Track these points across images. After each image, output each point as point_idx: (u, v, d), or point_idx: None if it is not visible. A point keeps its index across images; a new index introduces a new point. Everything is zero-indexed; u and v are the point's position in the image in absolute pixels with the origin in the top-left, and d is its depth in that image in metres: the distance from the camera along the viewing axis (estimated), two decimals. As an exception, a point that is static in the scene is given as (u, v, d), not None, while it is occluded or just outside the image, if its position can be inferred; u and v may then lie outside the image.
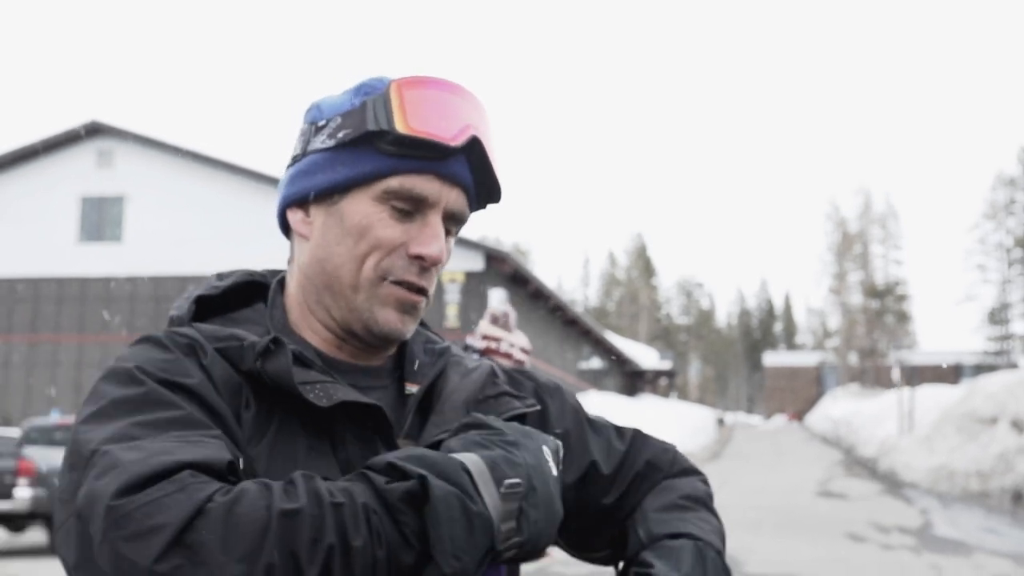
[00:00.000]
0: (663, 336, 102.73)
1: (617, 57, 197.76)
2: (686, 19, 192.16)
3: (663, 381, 68.93)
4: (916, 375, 38.63)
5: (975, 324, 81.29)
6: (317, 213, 1.30)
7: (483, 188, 1.33)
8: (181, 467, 1.02)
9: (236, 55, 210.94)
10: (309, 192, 1.30)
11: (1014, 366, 60.60)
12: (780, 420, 74.06)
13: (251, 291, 1.38)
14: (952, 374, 67.94)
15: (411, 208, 1.27)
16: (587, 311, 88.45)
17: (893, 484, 26.44)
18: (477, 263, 29.17)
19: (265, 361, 1.20)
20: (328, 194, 1.28)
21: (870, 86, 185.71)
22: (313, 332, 1.32)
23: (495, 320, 3.68)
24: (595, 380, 51.54)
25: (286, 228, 1.37)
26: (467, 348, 3.64)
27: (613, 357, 54.37)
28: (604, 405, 38.64)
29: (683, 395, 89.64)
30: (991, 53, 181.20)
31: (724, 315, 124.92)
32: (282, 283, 1.38)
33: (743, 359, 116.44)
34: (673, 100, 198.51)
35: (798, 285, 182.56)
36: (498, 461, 1.11)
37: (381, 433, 1.25)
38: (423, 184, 1.26)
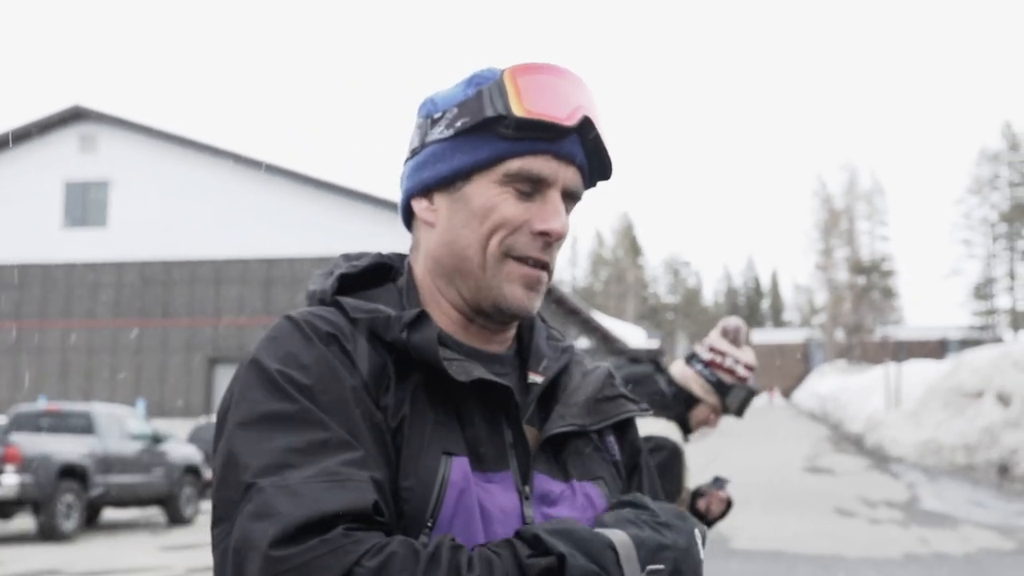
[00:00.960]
0: (650, 315, 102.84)
1: (603, 35, 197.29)
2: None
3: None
4: (902, 350, 38.80)
5: (961, 299, 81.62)
6: (441, 200, 1.35)
7: (596, 166, 1.37)
8: (334, 518, 1.09)
9: (219, 39, 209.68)
10: (432, 181, 1.35)
11: (999, 340, 60.90)
12: (766, 397, 74.30)
13: (382, 272, 1.42)
14: (938, 349, 68.24)
15: (531, 188, 1.31)
16: (575, 291, 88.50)
17: (880, 459, 26.61)
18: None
19: (411, 332, 1.26)
20: (451, 181, 1.33)
21: (855, 62, 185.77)
22: (442, 314, 1.36)
23: (725, 333, 3.62)
24: (583, 359, 51.54)
25: (408, 218, 1.42)
26: (692, 357, 3.60)
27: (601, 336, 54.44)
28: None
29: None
30: (975, 29, 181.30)
31: (711, 293, 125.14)
32: (409, 269, 1.42)
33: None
34: (659, 79, 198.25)
35: (785, 262, 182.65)
36: (647, 542, 1.18)
37: (508, 415, 1.30)
38: (541, 164, 1.30)
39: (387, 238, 28.85)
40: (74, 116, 31.81)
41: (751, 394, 3.60)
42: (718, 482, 3.65)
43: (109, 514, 16.84)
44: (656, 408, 3.39)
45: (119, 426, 15.72)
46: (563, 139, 1.31)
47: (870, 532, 13.59)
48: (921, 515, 15.50)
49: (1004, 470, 20.68)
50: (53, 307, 31.12)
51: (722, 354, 3.54)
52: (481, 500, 1.23)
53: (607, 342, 58.73)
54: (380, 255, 1.42)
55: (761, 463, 23.84)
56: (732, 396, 3.53)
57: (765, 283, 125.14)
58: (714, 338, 3.61)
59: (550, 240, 1.31)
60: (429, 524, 1.18)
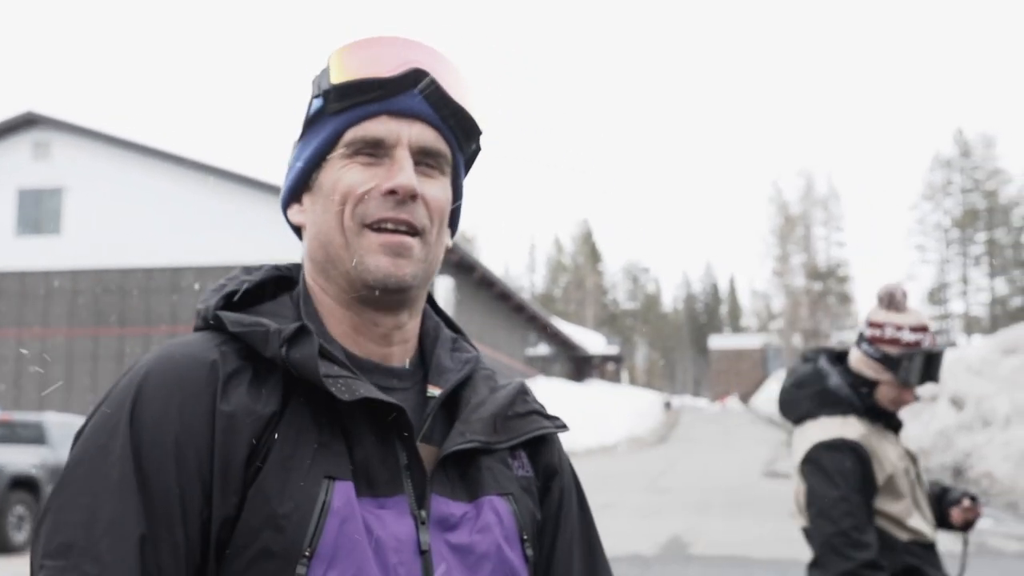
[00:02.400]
0: (610, 321, 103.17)
1: (560, 43, 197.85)
2: (628, 5, 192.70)
3: (610, 366, 69.29)
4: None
5: (915, 304, 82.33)
6: (307, 199, 1.32)
7: (452, 120, 1.30)
8: None
9: (172, 43, 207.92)
10: (293, 184, 1.33)
11: (953, 345, 61.69)
12: (719, 405, 74.75)
13: (280, 285, 1.37)
14: (893, 353, 68.95)
15: (375, 152, 1.26)
16: (534, 297, 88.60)
17: (837, 463, 26.77)
18: (423, 251, 29.09)
19: (291, 349, 1.19)
20: (306, 177, 1.31)
21: (811, 70, 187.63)
22: (334, 319, 1.30)
23: (880, 301, 3.34)
24: (543, 366, 51.67)
25: (298, 234, 1.37)
26: (860, 338, 3.33)
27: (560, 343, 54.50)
28: (552, 391, 38.73)
29: (630, 379, 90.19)
30: (928, 37, 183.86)
31: (670, 299, 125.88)
32: (303, 278, 1.37)
33: (689, 343, 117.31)
34: (616, 87, 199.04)
35: (742, 268, 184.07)
36: None
37: (401, 434, 1.23)
38: (375, 126, 1.26)
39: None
40: (27, 122, 31.40)
41: (932, 355, 3.28)
42: (974, 500, 3.49)
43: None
44: (826, 407, 3.25)
45: (72, 436, 15.51)
46: (395, 96, 1.26)
47: (827, 536, 13.66)
48: (877, 518, 15.62)
49: (958, 472, 20.91)
50: (6, 316, 30.66)
51: (880, 326, 3.29)
52: (372, 528, 1.16)
53: (566, 348, 58.84)
54: (276, 267, 1.38)
55: (720, 468, 23.96)
56: (904, 367, 3.25)
57: (723, 289, 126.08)
58: (872, 311, 3.35)
59: (399, 197, 1.24)
60: (307, 554, 1.11)
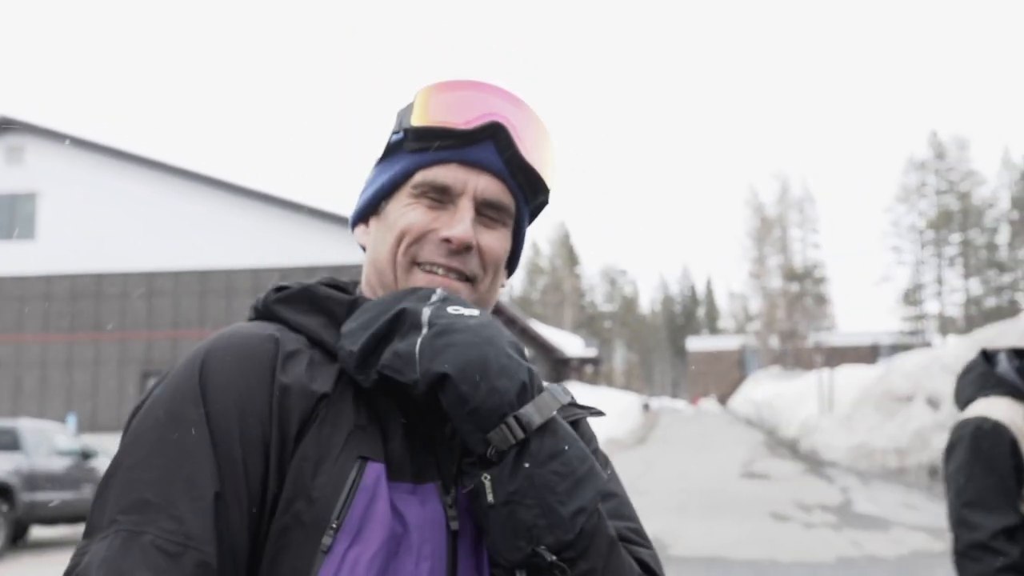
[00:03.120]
0: (588, 324, 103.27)
1: (535, 45, 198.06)
2: (604, 10, 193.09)
3: (589, 368, 69.34)
4: (835, 356, 39.38)
5: (891, 305, 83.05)
6: (373, 222, 1.40)
7: (521, 175, 1.36)
8: None
9: (147, 47, 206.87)
10: (362, 207, 1.42)
11: (928, 345, 62.05)
12: (704, 404, 75.00)
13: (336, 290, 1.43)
14: (869, 354, 69.39)
15: (441, 198, 1.33)
16: (512, 300, 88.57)
17: (814, 463, 26.95)
18: (400, 254, 29.07)
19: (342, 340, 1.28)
20: (376, 203, 1.39)
21: (787, 73, 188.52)
22: None
23: None
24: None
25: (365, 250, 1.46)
26: None
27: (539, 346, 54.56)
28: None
29: (609, 381, 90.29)
30: (903, 41, 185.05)
31: (648, 301, 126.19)
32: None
33: (667, 344, 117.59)
34: (592, 90, 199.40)
35: (719, 270, 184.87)
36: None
37: (434, 426, 1.28)
38: (444, 173, 1.32)
39: (320, 248, 28.65)
40: (0, 127, 31.16)
41: None
42: None
43: (37, 532, 16.47)
44: (986, 389, 3.15)
45: (47, 442, 15.38)
46: (470, 146, 1.32)
47: (805, 536, 13.73)
48: (854, 518, 15.71)
49: (934, 472, 21.04)
50: (-21, 321, 30.40)
51: None
52: (400, 508, 1.21)
53: (545, 351, 58.84)
54: (332, 278, 1.43)
55: (697, 469, 24.01)
56: None
57: (700, 291, 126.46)
58: None
59: (453, 247, 1.31)
60: (334, 525, 1.17)
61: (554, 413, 1.21)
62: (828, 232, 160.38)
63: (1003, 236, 76.82)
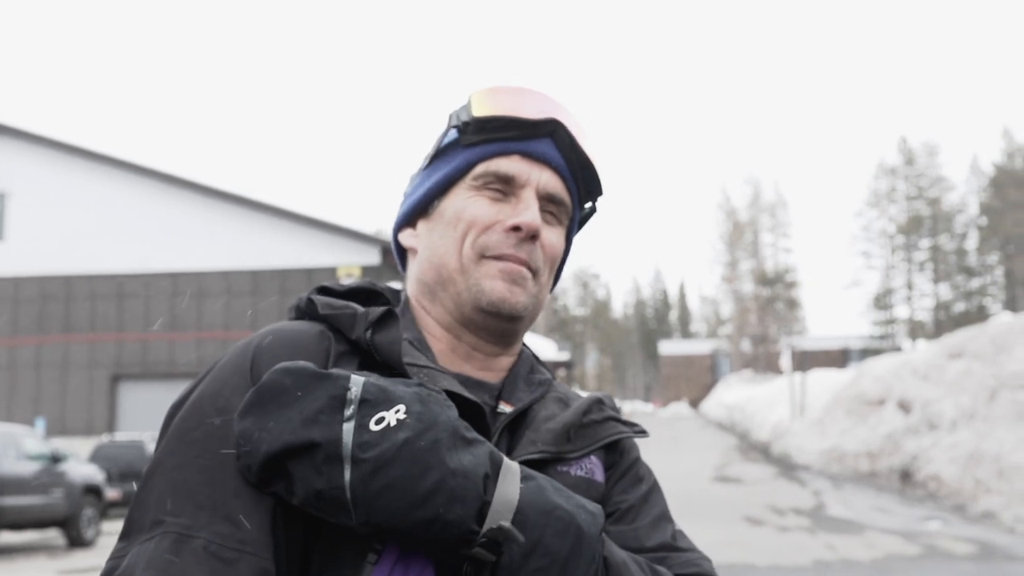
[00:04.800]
0: (560, 327, 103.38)
1: (509, 46, 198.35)
2: (577, 13, 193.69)
3: (561, 372, 69.34)
4: (806, 360, 39.56)
5: (861, 309, 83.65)
6: (423, 225, 1.36)
7: (578, 172, 1.36)
8: None
9: (118, 46, 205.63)
10: (412, 209, 1.37)
11: (899, 349, 62.53)
12: (670, 407, 75.23)
13: (371, 299, 1.37)
14: (840, 358, 69.82)
15: (504, 189, 1.31)
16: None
17: (787, 467, 27.05)
18: (373, 257, 28.89)
19: (376, 332, 1.21)
20: (427, 203, 1.35)
21: (759, 78, 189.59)
22: (434, 338, 1.34)
23: None
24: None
25: (402, 256, 1.43)
26: None
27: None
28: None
29: (581, 385, 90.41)
30: (873, 48, 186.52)
31: (620, 305, 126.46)
32: (405, 299, 1.41)
33: (639, 348, 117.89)
34: (565, 92, 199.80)
35: (692, 274, 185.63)
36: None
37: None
38: (509, 164, 1.30)
39: (292, 251, 28.49)
40: (-32, 126, 30.83)
41: None
42: None
43: (5, 537, 16.27)
44: None
45: (15, 446, 15.20)
46: (532, 139, 1.31)
47: (779, 540, 13.76)
48: (828, 522, 15.76)
49: (906, 476, 21.16)
50: (-54, 324, 30.06)
51: None
52: None
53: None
54: (371, 283, 1.39)
55: (670, 473, 24.03)
56: None
57: (673, 295, 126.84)
58: None
59: (522, 234, 1.28)
60: (379, 547, 1.11)
61: (529, 509, 1.10)
62: (799, 237, 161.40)
63: (972, 241, 77.63)
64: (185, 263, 28.40)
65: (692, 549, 1.36)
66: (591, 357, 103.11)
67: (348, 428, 1.07)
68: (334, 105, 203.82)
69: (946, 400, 21.63)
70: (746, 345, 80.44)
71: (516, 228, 1.28)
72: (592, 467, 1.33)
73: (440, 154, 1.35)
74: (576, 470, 1.31)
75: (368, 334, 1.21)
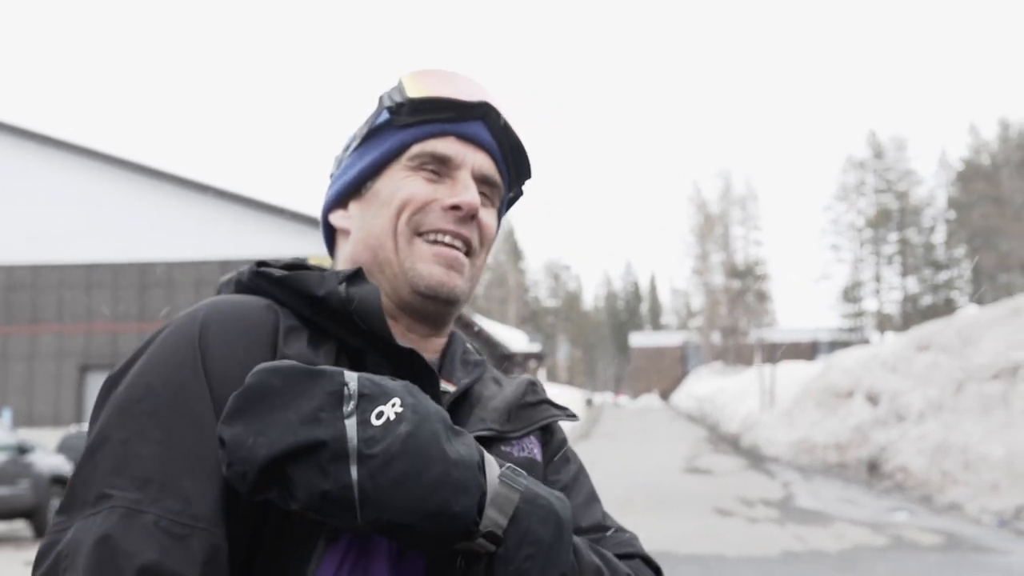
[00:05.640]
0: (531, 319, 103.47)
1: (484, 41, 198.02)
2: (549, 6, 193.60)
3: (532, 363, 69.42)
4: (776, 352, 39.80)
5: (830, 302, 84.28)
6: (355, 206, 1.34)
7: (509, 155, 1.36)
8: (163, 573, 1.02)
9: (90, 35, 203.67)
10: (344, 188, 1.35)
11: (867, 342, 63.01)
12: (647, 399, 75.53)
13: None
14: (809, 351, 70.28)
15: (439, 169, 1.30)
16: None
17: (756, 459, 27.21)
18: (345, 248, 28.92)
19: (351, 286, 1.21)
20: (360, 183, 1.33)
21: (729, 72, 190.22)
22: None
23: None
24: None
25: (330, 239, 1.40)
26: None
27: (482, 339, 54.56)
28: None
29: (552, 377, 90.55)
30: (842, 42, 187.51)
31: (591, 297, 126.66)
32: None
33: (610, 340, 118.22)
34: (536, 85, 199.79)
35: (663, 267, 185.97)
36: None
37: None
38: (444, 145, 1.30)
39: (263, 241, 28.36)
40: (-67, 114, 30.43)
41: None
42: None
43: (-29, 529, 16.12)
44: None
45: (-18, 437, 15.05)
46: (465, 121, 1.30)
47: (749, 531, 13.84)
48: (797, 513, 15.87)
49: (873, 467, 21.34)
50: (-89, 313, 29.72)
51: None
52: None
53: (489, 346, 58.86)
54: (301, 260, 1.36)
55: (641, 465, 24.14)
56: None
57: (644, 287, 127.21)
58: None
59: (462, 213, 1.28)
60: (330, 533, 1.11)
61: (516, 497, 1.10)
62: (770, 230, 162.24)
63: (940, 235, 78.30)
64: (155, 253, 28.19)
65: (621, 529, 1.39)
66: (562, 349, 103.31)
67: (351, 424, 1.04)
68: (306, 96, 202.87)
69: (914, 392, 21.83)
70: (716, 337, 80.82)
71: (456, 207, 1.28)
72: (532, 447, 1.35)
73: (372, 135, 1.33)
74: (518, 451, 1.32)
75: (343, 287, 1.20)
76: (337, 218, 1.36)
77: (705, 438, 35.51)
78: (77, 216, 28.84)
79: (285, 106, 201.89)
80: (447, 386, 1.31)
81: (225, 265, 27.58)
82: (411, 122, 1.30)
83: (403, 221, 1.28)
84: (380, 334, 1.19)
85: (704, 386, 53.66)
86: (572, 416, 1.40)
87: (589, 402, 57.32)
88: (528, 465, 1.31)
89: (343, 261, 1.35)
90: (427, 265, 1.28)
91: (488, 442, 1.26)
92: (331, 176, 1.39)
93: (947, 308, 64.72)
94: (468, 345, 1.43)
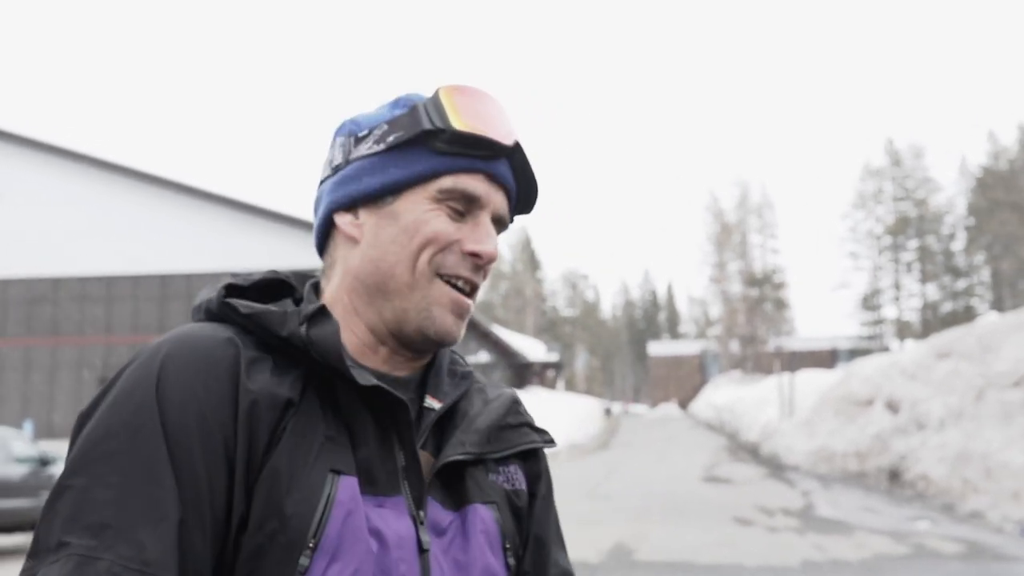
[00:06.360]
0: (549, 328, 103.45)
1: (499, 49, 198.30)
2: (566, 15, 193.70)
3: (550, 373, 69.41)
4: (795, 361, 39.64)
5: (849, 310, 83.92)
6: (368, 216, 1.29)
7: (523, 194, 1.34)
8: None
9: (110, 50, 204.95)
10: (360, 195, 1.28)
11: (886, 349, 62.73)
12: (666, 408, 75.31)
13: (277, 290, 1.34)
14: (829, 359, 69.98)
15: (464, 208, 1.27)
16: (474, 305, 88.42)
17: (776, 467, 27.09)
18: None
19: (311, 327, 1.18)
20: (380, 195, 1.28)
21: (747, 81, 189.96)
22: (352, 333, 1.30)
23: None
24: (483, 374, 51.21)
25: (325, 235, 1.35)
26: None
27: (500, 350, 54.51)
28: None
29: (571, 386, 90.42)
30: (860, 50, 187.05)
31: (609, 306, 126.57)
32: (315, 287, 1.35)
33: (628, 349, 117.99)
34: (554, 95, 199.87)
35: (680, 275, 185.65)
36: None
37: (402, 436, 1.23)
38: (475, 183, 1.27)
39: (284, 253, 28.48)
40: (-44, 128, 30.71)
41: None
42: None
43: (-5, 540, 16.22)
44: None
45: (3, 449, 15.14)
46: (497, 160, 1.28)
47: (768, 540, 13.78)
48: (817, 522, 15.79)
49: (894, 476, 21.23)
50: (-67, 326, 29.94)
51: None
52: (375, 524, 1.16)
53: (506, 356, 58.86)
54: (274, 271, 1.35)
55: (660, 474, 24.07)
56: None
57: (661, 296, 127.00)
58: None
59: (480, 263, 1.28)
60: (311, 545, 1.11)
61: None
62: (787, 238, 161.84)
63: (959, 242, 77.91)
64: (174, 265, 28.35)
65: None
66: (580, 358, 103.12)
67: None
68: (325, 108, 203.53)
69: (934, 400, 21.71)
70: (735, 346, 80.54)
71: (477, 255, 1.27)
72: (515, 477, 1.37)
73: (403, 144, 1.27)
74: (503, 481, 1.34)
75: (303, 328, 1.18)
76: (346, 223, 1.30)
77: (724, 447, 35.37)
78: (97, 229, 29.05)
79: (312, 121, 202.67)
80: (433, 403, 1.31)
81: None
82: (449, 152, 1.26)
83: (424, 259, 1.25)
84: (342, 374, 1.19)
85: (723, 395, 53.46)
86: (550, 442, 1.40)
87: (608, 411, 57.15)
88: (514, 497, 1.35)
89: (344, 271, 1.30)
90: (442, 312, 1.26)
91: (461, 464, 1.28)
92: (333, 165, 1.33)
93: (967, 315, 64.40)
94: (455, 355, 1.42)
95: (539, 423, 1.48)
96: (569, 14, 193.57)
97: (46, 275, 29.34)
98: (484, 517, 1.28)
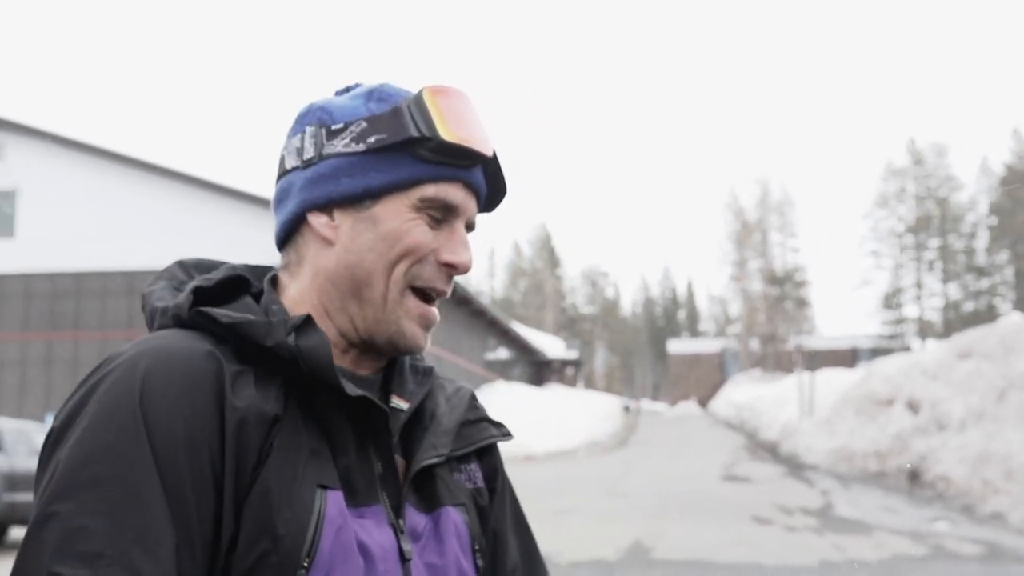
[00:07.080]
0: (569, 326, 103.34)
1: (519, 46, 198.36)
2: (586, 11, 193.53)
3: (570, 370, 69.42)
4: (815, 359, 39.49)
5: (871, 309, 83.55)
6: (344, 218, 1.25)
7: (490, 198, 1.34)
8: None
9: (131, 45, 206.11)
10: (339, 196, 1.24)
11: (908, 349, 62.40)
12: (685, 406, 75.15)
13: (235, 285, 1.31)
14: (849, 358, 69.64)
15: (441, 216, 1.26)
16: (493, 302, 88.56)
17: (795, 466, 27.02)
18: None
19: (299, 337, 1.16)
20: (359, 199, 1.24)
21: (767, 79, 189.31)
22: None
23: None
24: (502, 370, 51.70)
25: (291, 231, 1.30)
26: None
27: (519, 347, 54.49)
28: (512, 395, 38.73)
29: (589, 384, 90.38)
30: (882, 48, 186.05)
31: (629, 304, 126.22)
32: (273, 281, 1.32)
33: (648, 347, 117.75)
34: (575, 92, 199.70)
35: (700, 273, 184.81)
36: None
37: (379, 443, 1.23)
38: (455, 192, 1.26)
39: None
40: (-20, 124, 30.94)
41: None
42: None
43: (17, 532, 16.35)
44: None
45: (26, 442, 15.26)
46: (474, 168, 1.27)
47: (787, 540, 13.76)
48: (836, 522, 15.76)
49: (914, 476, 21.15)
50: (-43, 320, 30.18)
51: None
52: (360, 537, 1.15)
53: (526, 353, 58.90)
54: (232, 267, 1.32)
55: (679, 472, 24.05)
56: None
57: (682, 294, 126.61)
58: None
59: (456, 273, 1.27)
60: (305, 564, 1.09)
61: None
62: (808, 236, 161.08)
63: (981, 241, 77.38)
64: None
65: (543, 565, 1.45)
66: (600, 356, 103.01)
67: None
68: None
69: (955, 400, 21.61)
70: (755, 344, 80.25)
71: (452, 266, 1.26)
72: (475, 475, 1.37)
73: (385, 148, 1.23)
74: (466, 480, 1.35)
75: (291, 338, 1.15)
76: (321, 224, 1.25)
77: (743, 445, 35.27)
78: (119, 223, 29.22)
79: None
80: (400, 402, 1.30)
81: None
82: (433, 160, 1.23)
83: (400, 271, 1.23)
84: (332, 386, 1.17)
85: (742, 393, 53.29)
86: (507, 435, 1.40)
87: (627, 409, 57.04)
88: (477, 496, 1.36)
89: (316, 272, 1.27)
90: (412, 325, 1.25)
91: (436, 465, 1.29)
92: (304, 158, 1.26)
93: (989, 315, 63.93)
94: None
95: (541, 423, 1.48)
96: (593, 9, 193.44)
97: (68, 270, 29.53)
98: (455, 520, 1.28)
